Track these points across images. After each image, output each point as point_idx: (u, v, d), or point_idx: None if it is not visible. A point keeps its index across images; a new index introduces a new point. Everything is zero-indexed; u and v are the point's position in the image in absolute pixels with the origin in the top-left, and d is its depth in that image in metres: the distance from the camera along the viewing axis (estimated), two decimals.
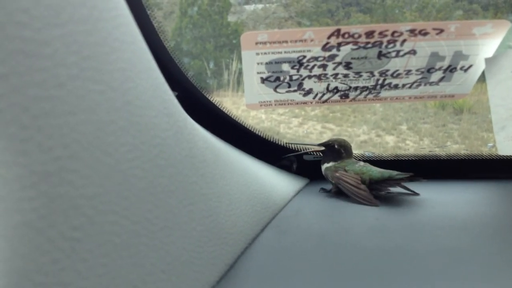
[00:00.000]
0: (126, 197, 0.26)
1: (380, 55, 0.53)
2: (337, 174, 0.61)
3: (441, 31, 0.51)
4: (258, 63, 0.53)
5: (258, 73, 0.54)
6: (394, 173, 0.57)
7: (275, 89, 0.57)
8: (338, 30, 0.50)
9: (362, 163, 0.62)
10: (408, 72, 0.56)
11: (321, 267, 0.39)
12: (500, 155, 0.64)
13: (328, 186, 0.64)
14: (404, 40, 0.52)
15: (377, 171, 0.59)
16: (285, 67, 0.54)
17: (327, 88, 0.57)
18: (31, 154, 0.20)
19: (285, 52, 0.52)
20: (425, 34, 0.52)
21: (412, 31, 0.51)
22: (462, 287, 0.35)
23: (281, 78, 0.55)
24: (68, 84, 0.22)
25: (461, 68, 0.56)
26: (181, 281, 0.30)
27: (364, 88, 0.58)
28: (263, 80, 0.55)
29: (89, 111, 0.23)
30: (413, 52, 0.53)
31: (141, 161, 0.28)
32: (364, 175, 0.59)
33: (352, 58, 0.53)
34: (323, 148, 0.66)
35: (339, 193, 0.61)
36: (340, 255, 0.41)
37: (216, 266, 0.36)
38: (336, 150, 0.65)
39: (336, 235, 0.46)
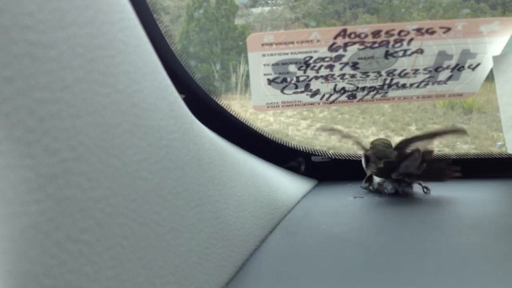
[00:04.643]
0: (133, 199, 0.26)
1: (387, 54, 0.53)
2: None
3: (448, 29, 0.51)
4: (264, 65, 0.53)
5: (264, 74, 0.54)
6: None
7: (282, 91, 0.57)
8: (345, 30, 0.50)
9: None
10: (416, 71, 0.56)
11: (330, 268, 0.38)
12: (509, 154, 0.63)
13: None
14: (411, 39, 0.52)
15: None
16: (292, 68, 0.54)
17: (334, 89, 0.57)
18: (38, 156, 0.20)
19: (291, 53, 0.52)
20: (432, 33, 0.51)
21: (419, 30, 0.51)
22: (472, 287, 0.35)
23: (288, 79, 0.55)
24: (74, 87, 0.22)
25: (469, 67, 0.56)
26: (189, 283, 0.30)
27: (372, 88, 0.58)
28: (270, 82, 0.55)
29: (95, 113, 0.24)
30: (420, 51, 0.53)
31: (148, 163, 0.28)
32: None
33: (359, 58, 0.53)
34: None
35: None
36: (350, 255, 0.41)
37: (224, 268, 0.36)
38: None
39: (345, 236, 0.45)
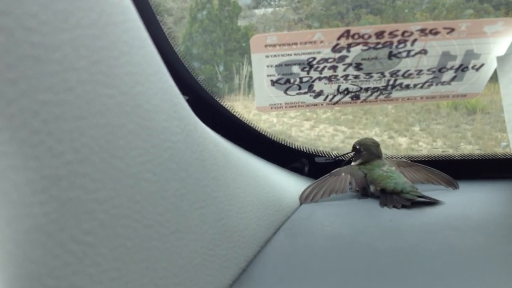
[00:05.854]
0: (137, 200, 0.26)
1: (390, 55, 0.53)
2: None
3: (452, 30, 0.51)
4: (268, 66, 0.53)
5: (268, 75, 0.54)
6: (407, 188, 0.56)
7: (285, 92, 0.57)
8: (348, 31, 0.50)
9: (391, 168, 0.61)
10: (419, 72, 0.55)
11: (334, 269, 0.38)
12: None
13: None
14: (415, 40, 0.52)
15: (392, 183, 0.57)
16: (295, 69, 0.54)
17: (338, 90, 0.57)
18: (42, 158, 0.20)
19: (294, 54, 0.52)
20: (436, 33, 0.51)
21: (422, 31, 0.51)
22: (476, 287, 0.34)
23: (291, 80, 0.55)
24: (78, 89, 0.22)
25: (472, 67, 0.56)
26: (193, 284, 0.30)
27: (375, 89, 0.57)
28: (273, 83, 0.55)
29: (99, 115, 0.24)
30: (424, 51, 0.53)
31: (152, 164, 0.28)
32: (381, 183, 0.58)
33: (362, 59, 0.53)
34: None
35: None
36: (354, 257, 0.41)
37: (228, 269, 0.36)
38: (357, 149, 0.65)
39: (349, 237, 0.45)
